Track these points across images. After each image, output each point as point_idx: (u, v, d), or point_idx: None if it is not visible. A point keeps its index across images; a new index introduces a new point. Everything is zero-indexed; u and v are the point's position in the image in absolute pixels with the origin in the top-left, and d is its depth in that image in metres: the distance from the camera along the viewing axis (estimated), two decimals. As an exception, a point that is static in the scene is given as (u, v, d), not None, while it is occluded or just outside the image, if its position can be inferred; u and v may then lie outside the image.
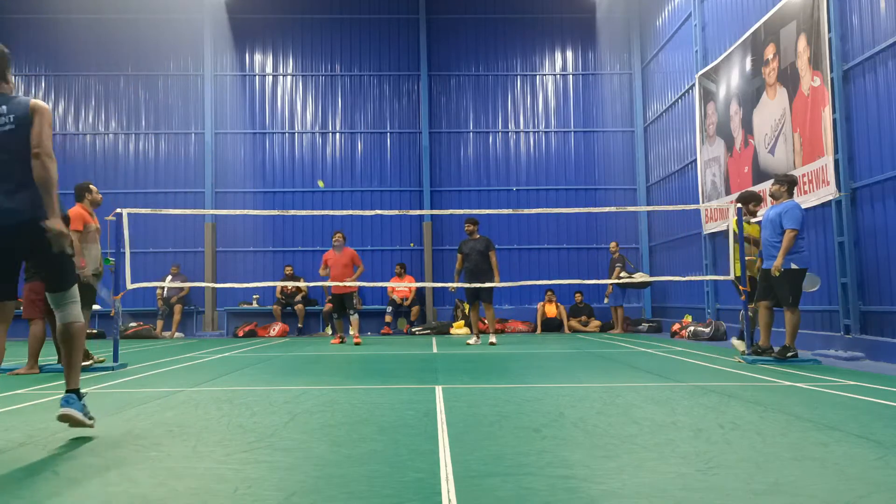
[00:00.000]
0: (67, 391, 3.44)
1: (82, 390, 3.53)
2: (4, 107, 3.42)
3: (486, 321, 11.68)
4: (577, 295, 14.97)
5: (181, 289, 14.55)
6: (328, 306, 13.71)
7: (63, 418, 3.34)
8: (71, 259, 3.53)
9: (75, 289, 3.54)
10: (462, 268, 10.64)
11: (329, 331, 14.45)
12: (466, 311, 12.72)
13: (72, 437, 3.42)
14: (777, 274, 6.81)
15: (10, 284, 3.52)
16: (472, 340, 10.56)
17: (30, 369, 6.66)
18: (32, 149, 3.36)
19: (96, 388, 5.49)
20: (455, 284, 10.72)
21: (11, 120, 3.39)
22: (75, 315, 3.52)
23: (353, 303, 11.10)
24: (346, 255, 11.07)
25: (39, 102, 3.49)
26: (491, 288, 10.43)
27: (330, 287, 11.55)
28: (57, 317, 3.51)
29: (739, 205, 7.69)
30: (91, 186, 7.27)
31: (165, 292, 14.59)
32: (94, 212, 7.28)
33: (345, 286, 10.62)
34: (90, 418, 3.46)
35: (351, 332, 11.22)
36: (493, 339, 10.52)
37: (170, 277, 14.44)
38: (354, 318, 11.20)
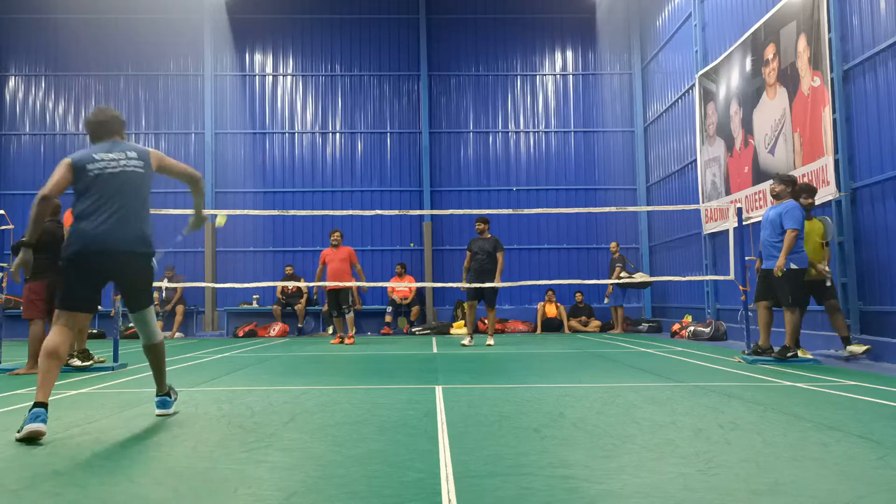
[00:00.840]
0: (160, 395, 4.11)
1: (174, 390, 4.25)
2: (134, 152, 3.97)
3: (485, 321, 11.67)
4: (578, 295, 14.97)
5: (175, 292, 14.55)
6: (327, 307, 13.72)
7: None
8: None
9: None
10: (469, 266, 10.52)
11: (330, 330, 14.46)
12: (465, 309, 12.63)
13: (72, 438, 3.42)
14: (780, 274, 6.81)
15: (97, 299, 3.94)
16: (466, 341, 10.36)
17: (30, 369, 6.67)
18: (191, 174, 4.26)
19: (97, 388, 5.49)
20: (464, 285, 10.57)
21: (141, 167, 3.95)
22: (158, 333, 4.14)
23: (350, 301, 11.10)
24: (343, 251, 11.09)
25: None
26: (495, 290, 10.34)
27: (320, 286, 11.55)
28: (143, 336, 4.04)
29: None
30: None
31: (164, 294, 14.58)
32: None
33: (341, 284, 10.63)
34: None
35: (351, 332, 11.22)
36: (490, 340, 10.39)
37: (165, 281, 14.42)
38: (350, 316, 11.20)
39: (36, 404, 3.37)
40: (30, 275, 4.14)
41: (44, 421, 3.31)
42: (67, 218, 7.44)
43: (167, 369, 4.25)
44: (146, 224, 3.92)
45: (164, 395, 4.11)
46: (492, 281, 10.15)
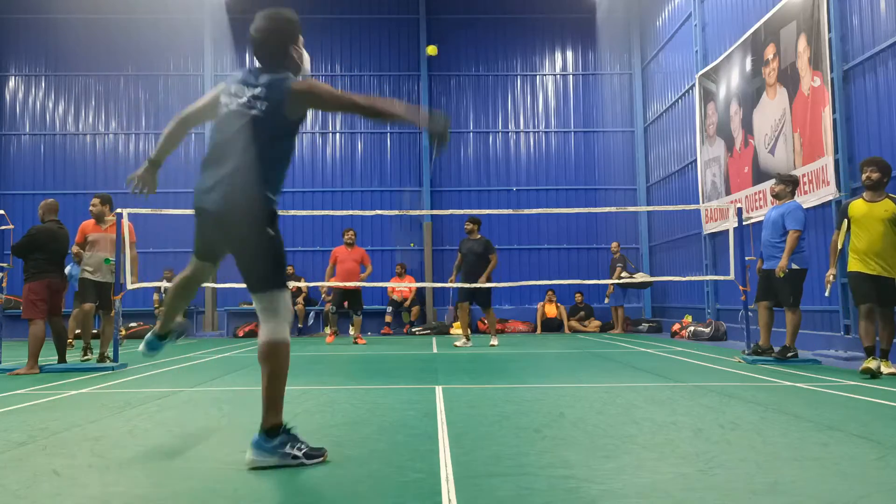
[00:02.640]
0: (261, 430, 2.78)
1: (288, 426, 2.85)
2: (262, 88, 2.95)
3: (485, 322, 11.66)
4: (578, 295, 14.96)
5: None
6: (328, 306, 13.73)
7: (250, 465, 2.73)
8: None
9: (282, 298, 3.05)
10: (460, 266, 10.38)
11: (327, 330, 14.44)
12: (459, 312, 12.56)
13: (72, 438, 3.42)
14: (782, 275, 6.81)
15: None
16: (460, 342, 10.07)
17: (30, 369, 6.68)
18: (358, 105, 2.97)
19: (97, 388, 5.49)
20: (451, 285, 10.49)
21: (263, 108, 2.94)
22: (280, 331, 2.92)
23: (361, 302, 11.17)
24: (357, 252, 11.16)
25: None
26: (488, 291, 10.16)
27: (331, 287, 11.53)
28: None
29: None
30: (95, 201, 7.81)
31: (163, 295, 14.58)
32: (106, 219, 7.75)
33: (354, 284, 10.69)
34: (295, 457, 2.74)
35: (351, 332, 11.24)
36: (494, 340, 10.21)
37: (164, 282, 14.40)
38: (358, 318, 11.24)
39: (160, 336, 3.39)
40: (147, 188, 3.48)
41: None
42: (86, 228, 7.60)
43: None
44: (258, 183, 2.98)
45: (268, 431, 2.78)
46: (486, 281, 9.97)
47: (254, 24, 3.07)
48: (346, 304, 11.05)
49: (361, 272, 11.12)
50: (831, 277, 6.36)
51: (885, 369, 5.81)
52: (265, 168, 2.98)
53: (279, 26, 3.06)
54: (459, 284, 10.15)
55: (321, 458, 2.80)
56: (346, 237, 11.18)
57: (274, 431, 2.75)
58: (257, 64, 3.09)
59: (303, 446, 2.79)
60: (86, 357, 7.94)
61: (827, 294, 6.96)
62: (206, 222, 3.19)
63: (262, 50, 3.06)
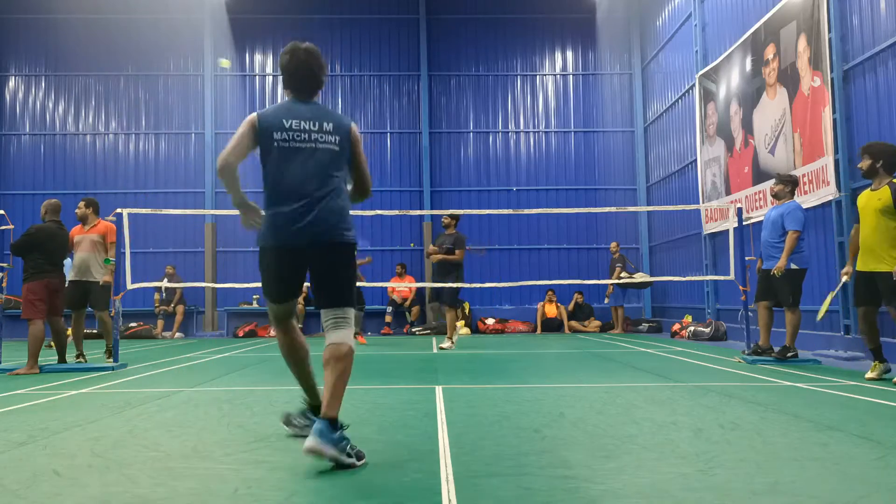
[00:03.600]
0: (321, 417, 2.88)
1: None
2: (331, 124, 3.16)
3: (485, 321, 11.62)
4: (578, 295, 14.96)
5: (175, 292, 14.58)
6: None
7: (309, 452, 2.74)
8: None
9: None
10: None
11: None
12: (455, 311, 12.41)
13: (72, 438, 3.42)
14: (778, 274, 6.81)
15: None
16: (445, 344, 9.52)
17: (30, 369, 6.68)
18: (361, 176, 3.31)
19: (97, 388, 5.49)
20: (429, 285, 10.12)
21: (336, 141, 3.16)
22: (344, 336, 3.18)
23: (361, 300, 11.23)
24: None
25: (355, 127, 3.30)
26: (452, 290, 9.66)
27: None
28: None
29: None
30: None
31: (164, 294, 14.59)
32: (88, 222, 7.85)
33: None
34: (349, 455, 2.80)
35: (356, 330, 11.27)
36: (446, 343, 9.51)
37: (165, 280, 14.42)
38: (358, 315, 11.27)
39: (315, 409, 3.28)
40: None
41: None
42: (106, 229, 7.68)
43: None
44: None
45: (331, 419, 2.86)
46: (450, 279, 9.52)
47: (307, 58, 3.22)
48: None
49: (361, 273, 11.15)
50: (845, 277, 6.23)
51: (871, 373, 5.59)
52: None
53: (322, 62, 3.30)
54: (432, 284, 9.89)
55: (364, 461, 2.87)
56: None
57: (336, 423, 2.84)
58: (299, 95, 3.24)
59: (354, 447, 2.87)
60: (78, 359, 7.94)
61: (819, 318, 6.74)
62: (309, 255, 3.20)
63: (317, 83, 3.27)
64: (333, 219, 3.09)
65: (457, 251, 9.64)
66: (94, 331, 13.45)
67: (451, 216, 10.04)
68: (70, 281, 7.59)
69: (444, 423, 3.72)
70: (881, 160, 5.52)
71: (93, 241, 7.63)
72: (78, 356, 7.46)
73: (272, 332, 14.09)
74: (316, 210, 3.06)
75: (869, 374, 5.61)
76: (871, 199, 5.53)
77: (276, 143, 3.12)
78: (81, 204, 7.84)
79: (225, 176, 3.17)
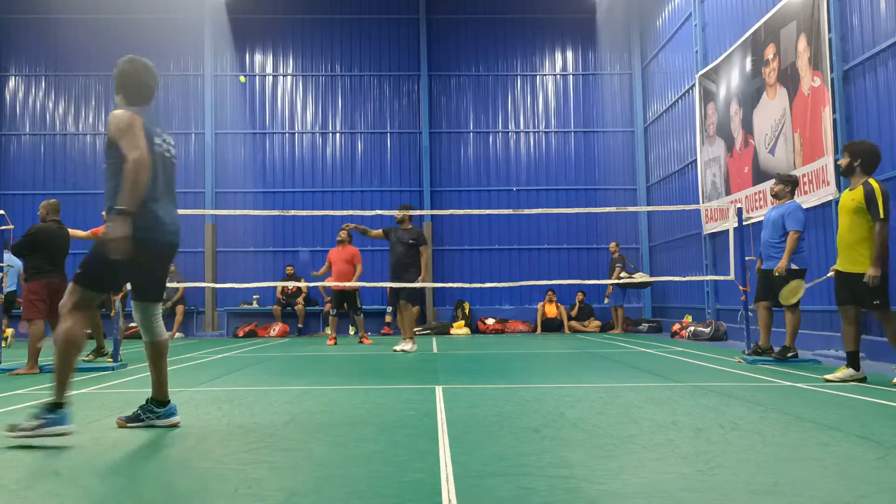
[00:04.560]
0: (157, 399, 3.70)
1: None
2: (171, 137, 3.75)
3: (486, 321, 11.58)
4: (579, 295, 14.96)
5: (177, 291, 14.57)
6: (328, 306, 13.78)
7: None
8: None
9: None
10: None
11: (328, 330, 14.46)
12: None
13: (72, 438, 3.41)
14: (777, 274, 6.81)
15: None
16: (403, 346, 8.97)
17: (30, 369, 6.69)
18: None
19: (97, 388, 5.49)
20: (390, 285, 9.35)
21: (172, 151, 3.74)
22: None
23: (358, 303, 11.15)
24: (347, 252, 11.14)
25: None
26: (417, 289, 9.10)
27: (328, 287, 11.57)
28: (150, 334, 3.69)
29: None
30: None
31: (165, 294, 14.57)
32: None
33: (346, 285, 10.65)
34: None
35: (351, 332, 11.30)
36: (405, 345, 9.02)
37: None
38: (360, 318, 11.28)
39: (58, 405, 3.27)
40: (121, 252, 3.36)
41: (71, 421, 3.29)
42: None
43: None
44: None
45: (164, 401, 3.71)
46: (410, 277, 8.96)
47: (142, 69, 3.71)
48: (345, 305, 11.06)
49: (354, 270, 11.04)
50: (832, 272, 6.20)
51: (836, 374, 5.39)
52: None
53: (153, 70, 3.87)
54: (390, 284, 9.31)
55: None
56: (338, 235, 11.24)
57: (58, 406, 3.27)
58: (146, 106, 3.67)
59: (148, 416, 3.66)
60: (89, 357, 7.96)
61: (783, 300, 6.61)
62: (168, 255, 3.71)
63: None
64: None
65: (421, 247, 9.10)
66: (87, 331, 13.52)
67: (404, 207, 9.40)
68: None
69: (444, 423, 3.72)
70: (860, 159, 5.45)
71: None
72: (89, 354, 7.49)
73: (272, 332, 14.19)
74: (175, 215, 3.67)
75: (828, 376, 5.45)
76: (846, 199, 5.48)
77: (156, 148, 3.51)
78: (103, 213, 7.93)
79: (147, 172, 3.36)
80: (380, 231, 9.48)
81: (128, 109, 3.47)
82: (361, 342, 11.18)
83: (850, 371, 5.43)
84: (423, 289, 9.24)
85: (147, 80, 3.65)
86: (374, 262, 15.41)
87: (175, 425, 3.62)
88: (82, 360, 7.67)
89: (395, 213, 9.35)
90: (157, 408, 3.66)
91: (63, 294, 7.48)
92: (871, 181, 5.33)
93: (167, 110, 16.14)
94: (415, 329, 14.20)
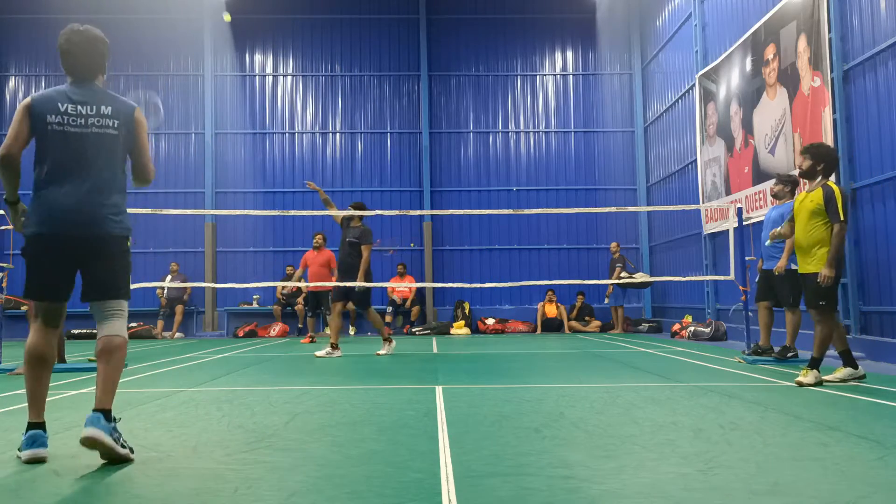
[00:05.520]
0: (95, 409, 2.89)
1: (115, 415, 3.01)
2: (110, 107, 3.16)
3: (486, 321, 11.61)
4: (580, 296, 14.96)
5: (183, 290, 14.59)
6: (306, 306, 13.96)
7: (87, 442, 2.81)
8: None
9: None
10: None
11: (327, 331, 14.47)
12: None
13: (72, 438, 3.42)
14: (777, 274, 6.81)
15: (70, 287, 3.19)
16: (323, 352, 8.48)
17: None
18: (140, 161, 3.29)
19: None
20: (338, 284, 8.78)
21: (115, 125, 3.16)
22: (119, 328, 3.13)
23: (329, 303, 11.39)
24: (323, 255, 11.54)
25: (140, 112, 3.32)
26: (365, 291, 8.65)
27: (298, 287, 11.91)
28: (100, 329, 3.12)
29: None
30: None
31: (166, 293, 14.59)
32: None
33: (320, 286, 10.97)
34: (123, 447, 2.90)
35: (352, 332, 11.43)
36: (383, 349, 8.74)
37: (169, 277, 14.44)
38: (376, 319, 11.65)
39: (31, 426, 2.94)
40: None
41: (44, 445, 2.92)
42: None
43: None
44: (121, 197, 3.20)
45: (102, 410, 2.90)
46: (354, 278, 8.54)
47: (80, 40, 3.24)
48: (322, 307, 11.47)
49: (331, 274, 11.17)
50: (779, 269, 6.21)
51: (801, 378, 5.22)
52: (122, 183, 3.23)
53: (102, 39, 3.31)
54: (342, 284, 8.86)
55: (133, 456, 2.95)
56: (314, 240, 11.48)
57: (110, 414, 2.91)
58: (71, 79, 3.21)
59: (125, 441, 2.96)
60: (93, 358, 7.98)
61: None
62: (68, 242, 3.14)
63: (95, 67, 3.24)
64: (105, 210, 3.09)
65: (362, 246, 8.61)
66: (94, 330, 13.53)
67: (355, 206, 8.95)
68: None
69: (444, 423, 3.72)
70: (823, 164, 5.46)
71: None
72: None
73: (272, 332, 14.19)
74: (84, 196, 3.08)
75: (827, 377, 5.41)
76: (804, 201, 5.48)
77: (49, 127, 3.07)
78: None
79: (8, 169, 3.14)
80: (338, 214, 9.07)
81: (51, 88, 3.23)
82: (304, 342, 11.47)
83: (849, 370, 5.44)
84: (370, 293, 8.79)
85: (67, 48, 3.22)
86: (374, 263, 15.39)
87: (36, 459, 2.90)
88: (88, 360, 7.69)
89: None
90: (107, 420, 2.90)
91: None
92: (831, 183, 5.37)
93: (167, 110, 16.14)
94: (422, 330, 14.33)
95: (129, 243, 3.23)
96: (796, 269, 6.77)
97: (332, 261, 11.36)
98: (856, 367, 5.48)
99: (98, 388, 2.95)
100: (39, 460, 2.88)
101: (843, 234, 5.22)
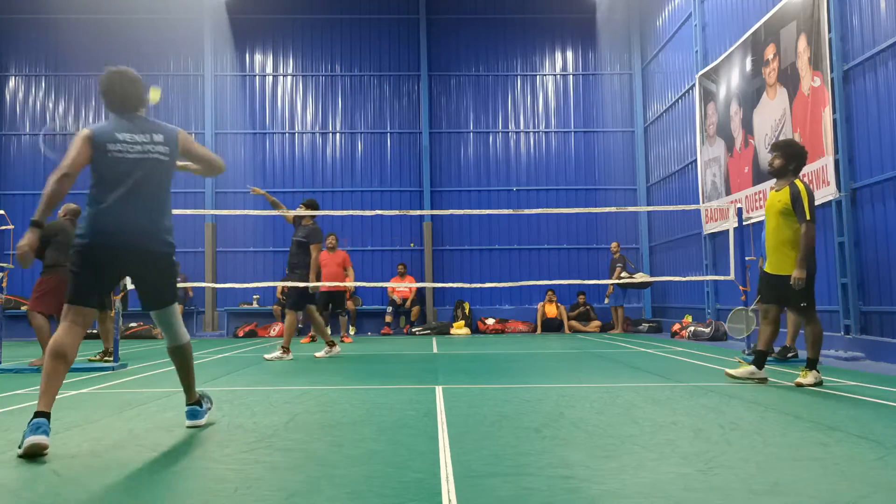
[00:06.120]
0: (189, 404, 3.72)
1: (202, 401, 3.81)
2: (161, 135, 3.60)
3: (486, 321, 11.63)
4: (581, 296, 14.95)
5: (184, 290, 14.59)
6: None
7: (191, 427, 3.64)
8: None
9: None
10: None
11: (328, 330, 14.49)
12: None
13: (72, 438, 3.42)
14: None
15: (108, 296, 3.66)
16: (272, 354, 8.17)
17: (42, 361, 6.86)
18: (203, 161, 3.82)
19: (97, 388, 5.49)
20: (295, 283, 8.41)
21: (166, 151, 3.58)
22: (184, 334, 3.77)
23: (344, 304, 11.65)
24: (338, 256, 11.57)
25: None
26: (295, 291, 8.30)
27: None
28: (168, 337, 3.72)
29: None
30: None
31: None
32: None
33: (336, 286, 10.92)
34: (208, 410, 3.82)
35: (352, 332, 11.54)
36: (322, 351, 8.43)
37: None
38: (343, 318, 11.74)
39: (37, 414, 3.06)
40: (29, 263, 3.45)
41: (45, 433, 2.99)
42: None
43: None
44: (167, 217, 3.58)
45: (195, 404, 3.70)
46: (298, 278, 8.25)
47: (121, 80, 3.64)
48: (330, 306, 11.44)
49: (345, 273, 11.54)
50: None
51: (801, 379, 5.21)
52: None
53: (138, 79, 3.77)
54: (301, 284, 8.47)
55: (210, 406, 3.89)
56: (327, 242, 11.47)
57: (198, 403, 3.75)
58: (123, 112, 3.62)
59: (203, 411, 3.78)
60: (96, 358, 8.01)
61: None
62: (117, 255, 3.53)
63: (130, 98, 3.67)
64: (159, 230, 3.52)
65: (311, 245, 8.30)
66: (94, 330, 13.53)
67: (305, 204, 8.68)
68: None
69: (444, 423, 3.72)
70: (794, 163, 5.43)
71: None
72: (97, 355, 7.63)
73: (272, 332, 14.19)
74: (135, 217, 3.47)
75: (730, 370, 5.47)
76: (773, 200, 5.45)
77: (109, 154, 3.42)
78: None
79: (63, 188, 3.32)
80: (290, 214, 8.80)
81: (103, 121, 3.61)
82: (342, 341, 11.41)
83: (752, 369, 5.40)
84: (307, 293, 8.34)
85: (114, 88, 3.60)
86: (374, 263, 15.45)
87: (38, 445, 3.00)
88: (88, 360, 7.70)
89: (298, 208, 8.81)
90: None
91: None
92: (798, 182, 5.34)
93: (167, 110, 16.14)
94: (422, 330, 14.35)
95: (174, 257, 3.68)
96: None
97: (346, 261, 11.64)
98: (760, 369, 5.41)
99: (184, 387, 3.75)
100: (40, 447, 2.97)
101: (811, 234, 5.19)
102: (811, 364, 5.26)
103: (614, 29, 16.38)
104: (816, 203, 8.48)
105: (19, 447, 2.99)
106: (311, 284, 8.20)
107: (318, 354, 8.50)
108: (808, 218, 5.17)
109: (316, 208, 8.68)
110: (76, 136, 3.46)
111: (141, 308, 3.72)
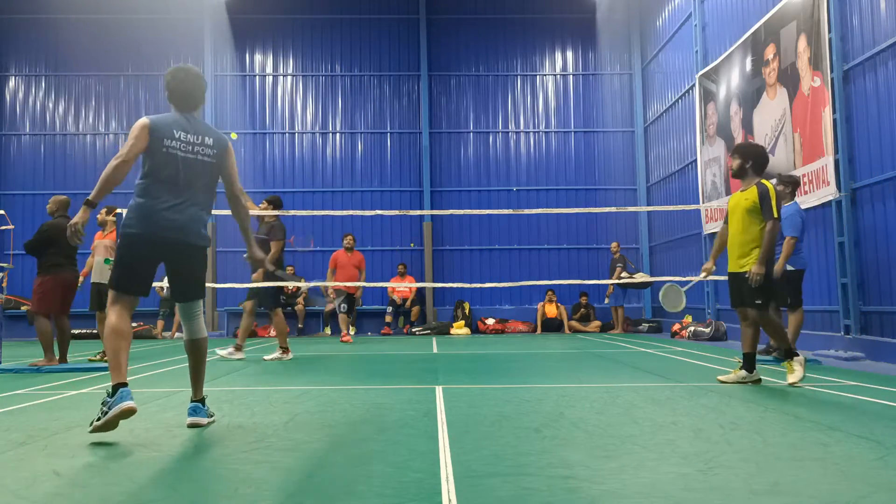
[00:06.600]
0: (193, 400, 3.75)
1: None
2: (212, 139, 3.82)
3: (473, 324, 11.59)
4: (583, 297, 14.95)
5: None
6: (329, 307, 13.88)
7: (192, 425, 3.66)
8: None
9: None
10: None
11: (328, 331, 14.49)
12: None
13: (72, 438, 3.42)
14: (775, 277, 6.80)
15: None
16: (273, 355, 8.08)
17: (48, 361, 6.90)
18: (234, 187, 3.97)
19: (97, 388, 5.49)
20: (265, 281, 8.21)
21: (214, 154, 3.82)
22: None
23: (354, 305, 11.83)
24: (356, 257, 11.70)
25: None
26: (267, 289, 8.16)
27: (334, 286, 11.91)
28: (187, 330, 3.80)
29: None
30: None
31: (166, 292, 14.58)
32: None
33: (354, 286, 11.14)
34: (209, 416, 3.79)
35: (341, 332, 11.67)
36: (275, 354, 8.12)
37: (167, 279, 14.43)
38: (348, 318, 11.89)
39: (119, 385, 3.32)
40: (80, 240, 3.60)
41: (132, 399, 3.30)
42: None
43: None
44: (208, 213, 3.81)
45: (199, 401, 3.76)
46: (262, 275, 8.05)
47: (186, 77, 3.84)
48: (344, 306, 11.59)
49: (359, 275, 11.65)
50: (704, 273, 6.09)
51: (789, 378, 5.21)
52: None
53: (201, 76, 3.96)
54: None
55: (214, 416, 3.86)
56: (345, 242, 11.54)
57: (202, 401, 3.77)
58: (183, 111, 3.84)
59: (211, 411, 3.84)
60: (97, 358, 8.01)
61: (671, 307, 6.65)
62: (164, 246, 3.72)
63: (194, 95, 3.87)
64: (199, 225, 3.71)
65: (271, 242, 8.08)
66: (95, 330, 13.53)
67: (268, 200, 8.49)
68: (92, 283, 8.11)
69: (444, 423, 3.72)
70: (750, 161, 5.51)
71: (106, 246, 8.12)
72: (97, 354, 7.69)
73: (272, 333, 14.17)
74: (184, 212, 3.66)
75: (722, 377, 5.47)
76: (739, 200, 5.50)
77: (165, 149, 3.61)
78: (103, 210, 8.34)
79: (120, 174, 3.50)
80: (251, 211, 8.25)
81: (165, 113, 3.80)
82: (342, 340, 11.42)
83: (743, 373, 5.41)
84: (274, 289, 8.12)
85: (182, 85, 3.82)
86: (374, 263, 15.45)
87: (129, 410, 3.29)
88: (88, 359, 7.70)
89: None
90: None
91: (75, 289, 7.71)
92: (765, 182, 5.42)
93: (167, 111, 16.10)
94: (422, 330, 14.36)
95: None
96: (793, 270, 6.80)
97: (362, 263, 11.77)
98: (751, 372, 5.41)
99: (192, 382, 3.77)
100: (133, 410, 3.28)
101: (774, 232, 5.27)
102: (788, 354, 5.28)
103: (614, 29, 16.38)
104: (817, 203, 8.52)
105: (98, 419, 3.27)
106: (289, 280, 7.98)
107: (220, 352, 8.13)
108: (774, 216, 5.27)
109: (280, 205, 8.58)
110: (134, 127, 3.66)
111: (171, 298, 3.82)
